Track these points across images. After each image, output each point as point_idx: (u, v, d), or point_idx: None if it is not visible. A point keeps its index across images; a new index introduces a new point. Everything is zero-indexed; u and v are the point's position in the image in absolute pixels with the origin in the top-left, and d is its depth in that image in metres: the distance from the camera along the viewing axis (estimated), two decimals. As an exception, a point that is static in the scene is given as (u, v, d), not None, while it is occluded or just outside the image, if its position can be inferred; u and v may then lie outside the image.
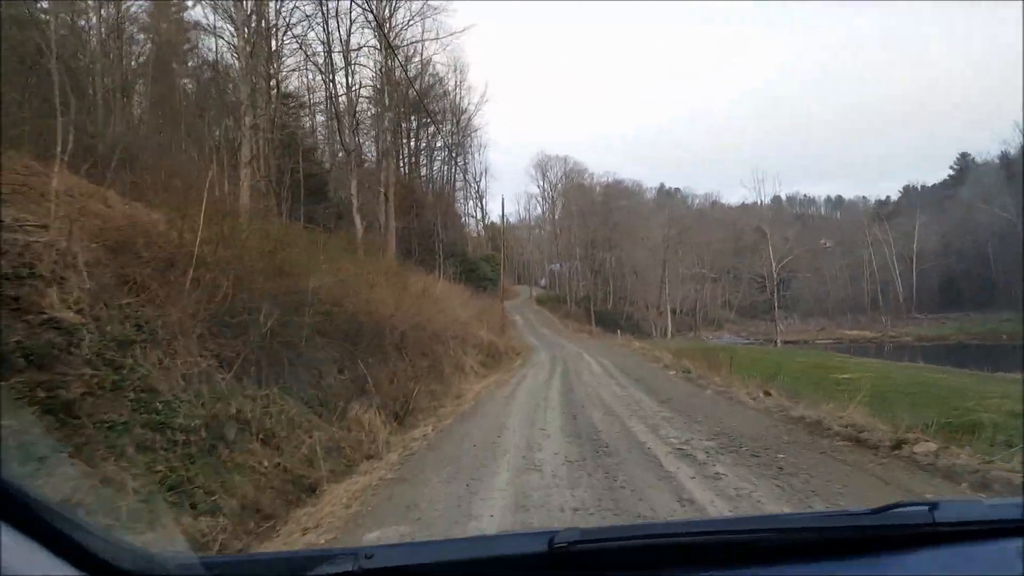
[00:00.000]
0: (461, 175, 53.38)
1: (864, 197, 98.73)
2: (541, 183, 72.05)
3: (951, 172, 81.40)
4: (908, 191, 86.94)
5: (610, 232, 57.02)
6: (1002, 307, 61.45)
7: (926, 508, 1.28)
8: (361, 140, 36.88)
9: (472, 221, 63.87)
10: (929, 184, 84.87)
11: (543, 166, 70.79)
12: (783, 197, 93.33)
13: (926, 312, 66.31)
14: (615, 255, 57.34)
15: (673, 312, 58.64)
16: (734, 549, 1.24)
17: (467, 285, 34.81)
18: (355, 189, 27.29)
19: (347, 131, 28.02)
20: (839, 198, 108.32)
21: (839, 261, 74.45)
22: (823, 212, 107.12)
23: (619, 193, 65.56)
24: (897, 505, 1.32)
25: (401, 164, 40.09)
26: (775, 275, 50.34)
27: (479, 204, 64.39)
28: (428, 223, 38.04)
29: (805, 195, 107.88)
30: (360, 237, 25.17)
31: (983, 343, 48.21)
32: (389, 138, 29.31)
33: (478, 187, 61.13)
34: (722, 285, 72.69)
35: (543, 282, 74.14)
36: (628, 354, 23.91)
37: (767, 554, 1.21)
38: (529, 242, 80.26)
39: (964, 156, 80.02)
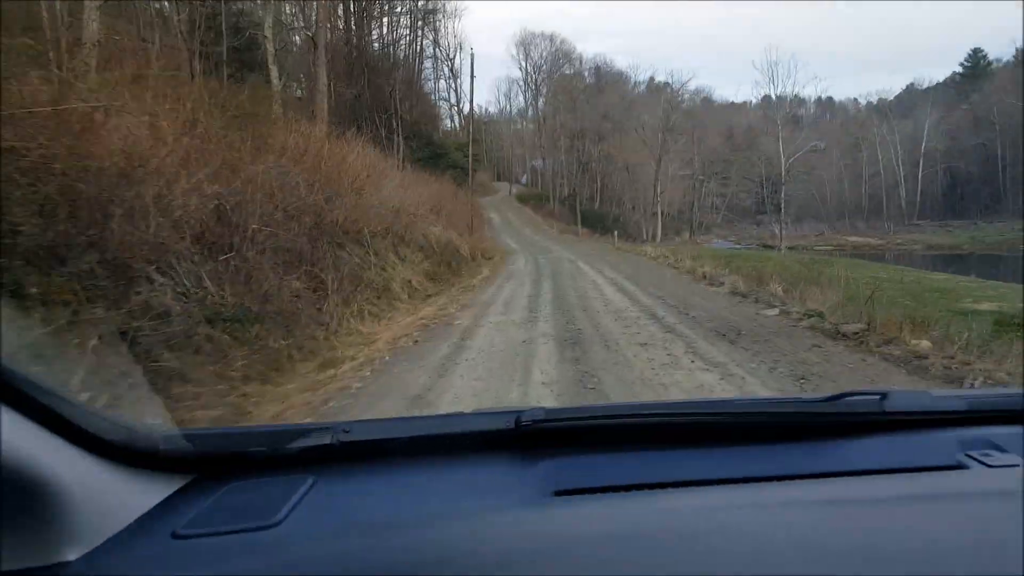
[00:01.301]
0: (431, 47, 43.88)
1: (855, 99, 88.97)
2: (524, 64, 61.34)
3: (961, 70, 72.13)
4: (911, 90, 77.24)
5: (600, 122, 48.03)
6: (1010, 215, 54.59)
7: (877, 397, 1.29)
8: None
9: (445, 106, 54.41)
10: (936, 81, 75.43)
11: (526, 45, 60.08)
12: (773, 96, 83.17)
13: (928, 219, 59.15)
14: (604, 148, 48.58)
15: (662, 214, 50.93)
16: (692, 430, 1.25)
17: (434, 174, 26.84)
18: (270, 31, 19.20)
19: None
20: (829, 99, 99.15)
21: (836, 163, 66.64)
22: (813, 113, 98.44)
23: (610, 79, 55.89)
24: (849, 394, 1.31)
25: (351, 21, 30.99)
26: (784, 173, 42.39)
27: (452, 85, 54.79)
28: (384, 97, 29.56)
29: (795, 95, 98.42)
30: (278, 92, 17.22)
31: (1000, 254, 41.44)
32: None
33: (451, 64, 51.44)
34: (711, 187, 64.84)
35: (524, 179, 65.65)
36: (645, 265, 16.35)
37: (724, 435, 1.24)
38: (510, 136, 70.85)
39: (976, 52, 70.78)
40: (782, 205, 42.25)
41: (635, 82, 67.40)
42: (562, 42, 57.24)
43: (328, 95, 25.26)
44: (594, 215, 47.47)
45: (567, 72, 55.42)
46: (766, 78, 48.72)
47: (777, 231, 58.56)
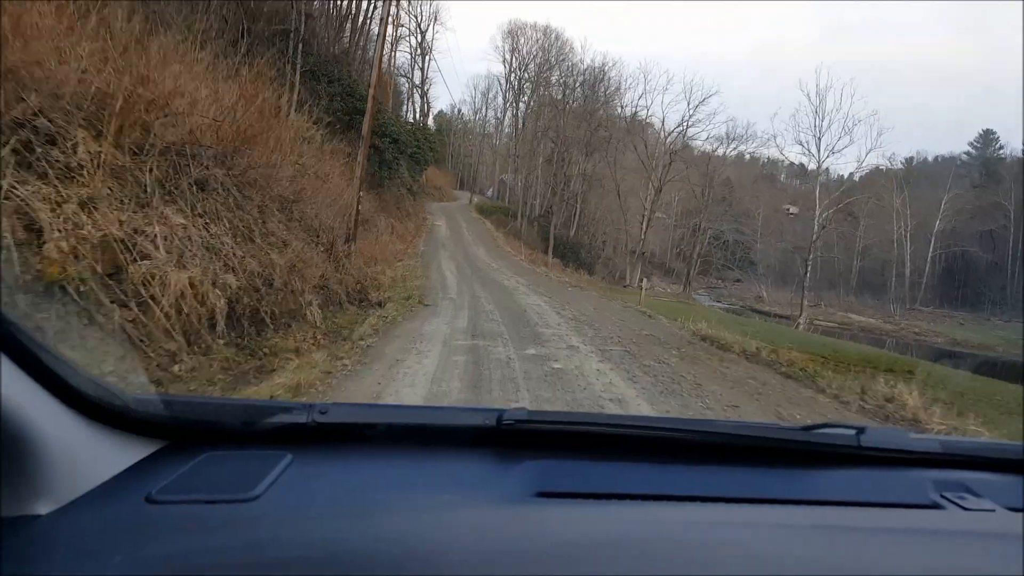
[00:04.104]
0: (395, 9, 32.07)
1: (827, 169, 79.95)
2: (509, 58, 49.88)
3: (972, 150, 64.38)
4: (911, 164, 68.92)
5: (591, 134, 36.82)
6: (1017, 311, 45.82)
7: (853, 432, 1.23)
8: None
9: (406, 83, 42.44)
10: (937, 157, 67.40)
11: (514, 35, 48.91)
12: (747, 156, 72.67)
13: (930, 305, 50.00)
14: (592, 164, 37.26)
15: (642, 255, 39.96)
16: (673, 445, 1.21)
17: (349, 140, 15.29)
18: None
19: None
20: (801, 166, 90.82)
21: (818, 230, 57.13)
22: (784, 179, 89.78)
23: (613, 83, 44.37)
24: (825, 425, 1.27)
25: None
26: (817, 230, 32.10)
27: (419, 63, 42.98)
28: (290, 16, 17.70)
29: (768, 158, 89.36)
30: None
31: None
32: None
33: (421, 38, 39.82)
34: (683, 236, 54.83)
35: (491, 192, 54.16)
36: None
37: (704, 453, 1.19)
38: (481, 142, 59.35)
39: (988, 133, 63.21)
40: (807, 270, 31.65)
41: (618, 116, 56.10)
42: (556, 36, 46.13)
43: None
44: (567, 244, 36.31)
45: (560, 68, 44.06)
46: (812, 105, 36.87)
47: (761, 293, 48.95)
